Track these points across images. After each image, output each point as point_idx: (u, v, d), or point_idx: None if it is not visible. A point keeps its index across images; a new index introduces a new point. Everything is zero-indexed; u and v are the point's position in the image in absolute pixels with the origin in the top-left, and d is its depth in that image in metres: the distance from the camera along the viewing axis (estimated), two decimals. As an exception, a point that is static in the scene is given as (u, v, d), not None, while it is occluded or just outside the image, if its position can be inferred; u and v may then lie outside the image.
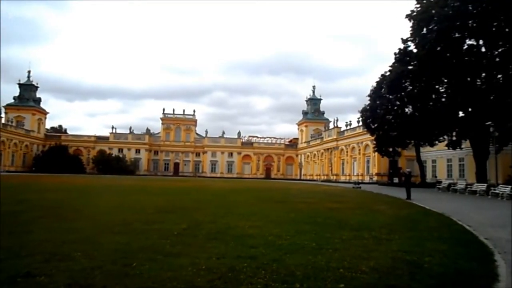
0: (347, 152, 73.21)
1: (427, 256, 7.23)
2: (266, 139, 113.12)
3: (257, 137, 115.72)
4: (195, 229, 9.69)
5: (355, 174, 68.40)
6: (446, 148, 41.12)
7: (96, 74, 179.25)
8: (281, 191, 32.11)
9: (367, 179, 62.30)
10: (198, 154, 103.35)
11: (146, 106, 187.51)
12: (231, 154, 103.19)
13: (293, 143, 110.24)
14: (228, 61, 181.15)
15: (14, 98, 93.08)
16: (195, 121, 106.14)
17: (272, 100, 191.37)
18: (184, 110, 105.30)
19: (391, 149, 45.33)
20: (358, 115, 48.57)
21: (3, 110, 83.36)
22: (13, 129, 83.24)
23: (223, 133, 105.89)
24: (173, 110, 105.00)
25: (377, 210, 16.40)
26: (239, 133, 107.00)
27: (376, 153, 51.69)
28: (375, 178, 59.97)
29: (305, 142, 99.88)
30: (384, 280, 5.68)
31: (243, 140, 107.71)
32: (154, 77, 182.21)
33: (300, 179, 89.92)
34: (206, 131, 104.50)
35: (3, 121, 79.27)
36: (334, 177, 74.94)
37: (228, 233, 9.23)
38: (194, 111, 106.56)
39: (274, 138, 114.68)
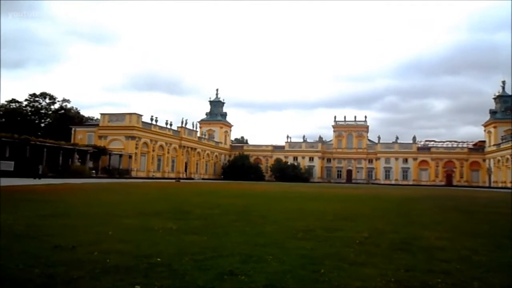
0: (553, 154, 61.74)
1: None
2: (445, 143, 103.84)
3: (435, 141, 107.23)
4: (377, 238, 9.47)
5: None
6: None
7: (273, 88, 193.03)
8: (466, 199, 28.95)
9: None
10: (371, 161, 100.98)
11: (318, 114, 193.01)
12: (406, 160, 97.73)
13: (478, 147, 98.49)
14: (401, 63, 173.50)
15: (206, 114, 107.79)
16: (367, 127, 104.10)
17: (450, 101, 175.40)
18: (355, 117, 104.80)
19: None
20: None
21: (198, 125, 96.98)
22: (206, 141, 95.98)
23: (397, 138, 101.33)
24: (344, 117, 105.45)
25: None
26: (414, 138, 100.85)
27: None
28: None
29: (494, 145, 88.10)
30: None
31: (419, 145, 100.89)
32: (326, 87, 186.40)
33: (489, 187, 79.63)
34: (379, 137, 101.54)
35: (198, 134, 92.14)
36: (536, 185, 63.98)
37: (414, 244, 8.73)
38: (365, 117, 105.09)
39: (455, 141, 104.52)
